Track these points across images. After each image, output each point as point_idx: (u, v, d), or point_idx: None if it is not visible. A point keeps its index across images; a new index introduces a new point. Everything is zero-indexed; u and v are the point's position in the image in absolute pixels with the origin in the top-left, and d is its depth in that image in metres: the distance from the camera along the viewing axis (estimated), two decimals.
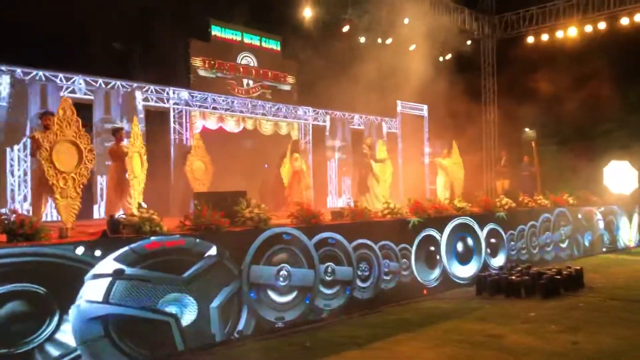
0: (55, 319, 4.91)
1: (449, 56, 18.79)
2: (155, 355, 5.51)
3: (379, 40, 17.04)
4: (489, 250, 10.23)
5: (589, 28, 18.15)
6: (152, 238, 5.64)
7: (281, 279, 6.73)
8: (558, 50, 18.68)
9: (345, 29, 15.88)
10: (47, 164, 7.37)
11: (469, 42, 19.14)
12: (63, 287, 4.98)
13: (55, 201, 7.66)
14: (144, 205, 6.49)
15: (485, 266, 10.00)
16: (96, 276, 5.20)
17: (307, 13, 15.03)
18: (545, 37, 19.12)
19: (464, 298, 8.57)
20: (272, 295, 6.62)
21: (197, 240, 5.99)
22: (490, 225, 10.34)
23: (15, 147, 10.38)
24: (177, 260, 5.79)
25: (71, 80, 11.47)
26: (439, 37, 18.04)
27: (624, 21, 17.45)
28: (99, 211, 11.56)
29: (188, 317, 5.80)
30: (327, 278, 7.27)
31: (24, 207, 10.41)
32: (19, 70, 10.68)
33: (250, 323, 6.34)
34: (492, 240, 10.35)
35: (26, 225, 5.24)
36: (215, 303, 6.02)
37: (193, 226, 6.35)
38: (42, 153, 7.36)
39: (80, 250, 5.11)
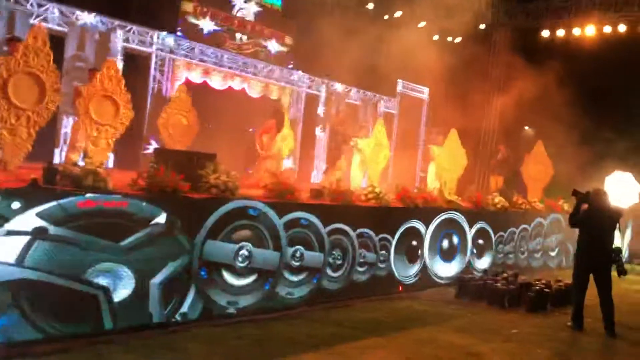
0: None
1: (458, 39, 17.76)
2: (75, 333, 4.64)
3: (386, 15, 15.94)
4: (475, 251, 9.46)
5: (607, 29, 17.17)
6: (88, 195, 4.73)
7: (240, 259, 5.87)
8: (573, 49, 17.69)
9: None
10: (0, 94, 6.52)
11: (482, 26, 18.07)
12: None
13: (1, 137, 6.77)
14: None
15: (469, 267, 9.26)
16: (10, 233, 4.30)
17: None
18: (561, 32, 18.10)
19: (442, 300, 7.80)
20: (227, 276, 5.77)
21: (144, 203, 5.08)
22: (480, 224, 9.54)
23: None
24: (117, 224, 4.89)
25: (44, 8, 10.33)
26: (451, 17, 16.99)
27: None
28: (60, 156, 10.56)
29: (122, 291, 4.93)
30: (294, 263, 6.42)
31: None
32: None
33: (197, 306, 5.49)
34: (480, 240, 9.58)
35: None
36: (157, 279, 5.16)
37: (146, 186, 5.47)
38: None
39: None
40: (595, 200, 6.91)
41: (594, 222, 6.80)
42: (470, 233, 9.28)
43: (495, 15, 19.03)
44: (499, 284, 8.04)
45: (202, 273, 5.53)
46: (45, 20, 10.30)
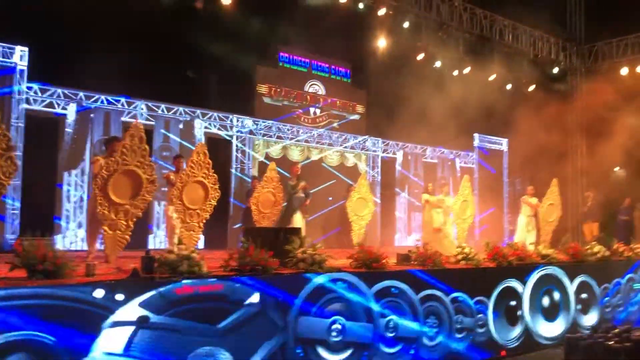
0: None
1: (532, 87, 17.44)
2: None
3: (456, 71, 15.96)
4: (579, 306, 8.87)
5: None
6: (184, 281, 4.90)
7: (334, 333, 5.80)
8: None
9: (420, 57, 14.98)
10: (100, 194, 6.93)
11: (555, 70, 17.67)
12: (76, 336, 4.30)
13: (103, 232, 7.18)
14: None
15: (575, 325, 8.66)
16: (116, 324, 4.49)
17: (382, 43, 14.26)
18: None
19: None
20: (323, 352, 5.70)
21: (237, 285, 5.20)
22: (581, 277, 8.97)
23: (73, 172, 10.14)
24: (213, 308, 5.02)
25: (133, 105, 11.20)
26: (521, 66, 16.79)
27: None
28: (154, 241, 11.10)
29: None
30: (389, 334, 6.27)
31: (78, 235, 10.10)
32: (81, 94, 10.52)
33: None
34: (583, 295, 8.98)
35: (48, 261, 4.65)
36: None
37: (238, 266, 5.61)
38: (97, 182, 6.92)
39: (99, 293, 4.43)
40: None
41: None
42: (572, 288, 8.74)
43: (568, 59, 18.61)
44: (611, 342, 7.41)
45: (298, 351, 5.50)
46: (134, 116, 11.13)
